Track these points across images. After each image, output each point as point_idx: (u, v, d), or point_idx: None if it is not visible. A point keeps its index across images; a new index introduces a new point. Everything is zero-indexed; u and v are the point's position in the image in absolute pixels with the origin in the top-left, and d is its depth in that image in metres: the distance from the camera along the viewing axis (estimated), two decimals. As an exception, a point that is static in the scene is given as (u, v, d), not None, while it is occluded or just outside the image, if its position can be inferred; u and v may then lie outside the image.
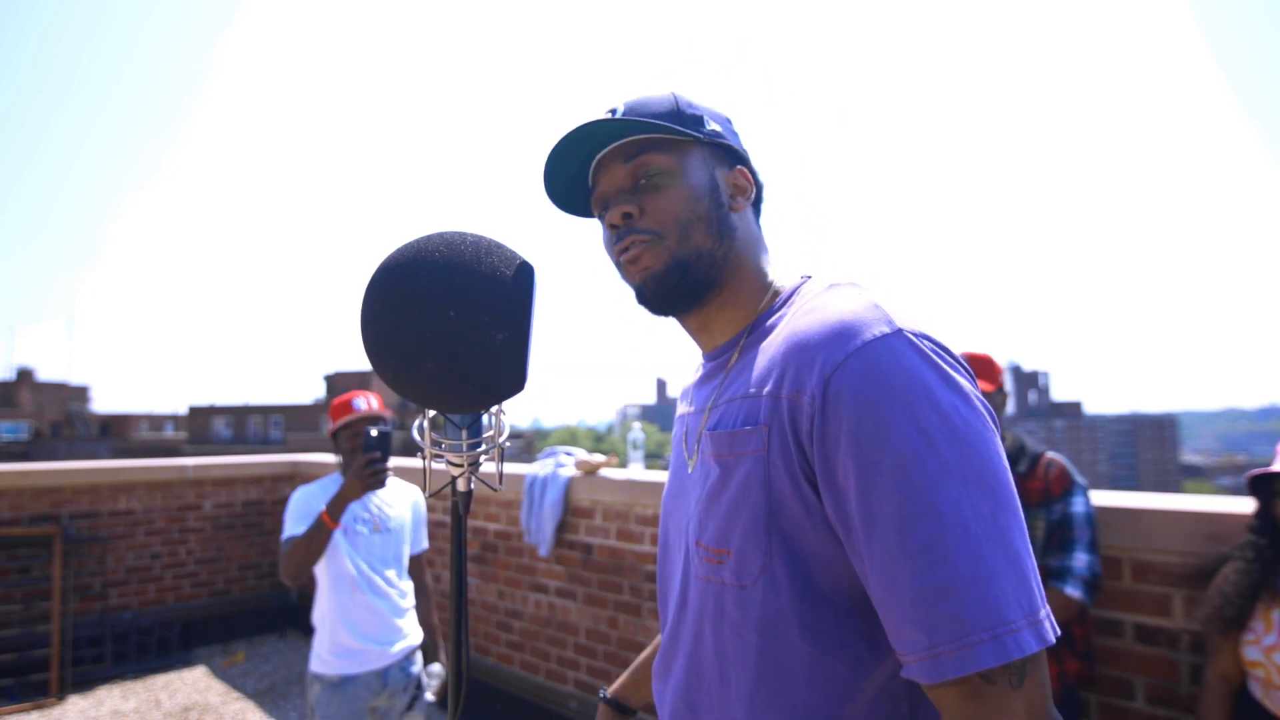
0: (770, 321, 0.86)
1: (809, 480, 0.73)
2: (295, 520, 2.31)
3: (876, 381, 0.68)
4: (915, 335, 0.71)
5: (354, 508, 2.39)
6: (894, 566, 0.65)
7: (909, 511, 0.64)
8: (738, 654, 0.79)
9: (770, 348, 0.81)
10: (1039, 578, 0.66)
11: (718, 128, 0.90)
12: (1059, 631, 0.64)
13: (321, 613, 2.36)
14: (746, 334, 0.88)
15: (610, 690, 1.20)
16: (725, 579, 0.79)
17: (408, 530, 2.53)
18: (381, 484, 2.19)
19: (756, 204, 0.95)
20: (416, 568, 2.59)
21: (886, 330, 0.71)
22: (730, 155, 0.92)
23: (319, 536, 2.19)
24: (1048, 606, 0.65)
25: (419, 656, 2.47)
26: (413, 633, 2.45)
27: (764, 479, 0.75)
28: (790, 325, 0.79)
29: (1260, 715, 1.64)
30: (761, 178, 0.95)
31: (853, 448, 0.67)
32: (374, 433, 2.20)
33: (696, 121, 0.88)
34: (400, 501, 2.53)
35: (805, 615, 0.74)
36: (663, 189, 0.86)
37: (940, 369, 0.69)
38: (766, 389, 0.77)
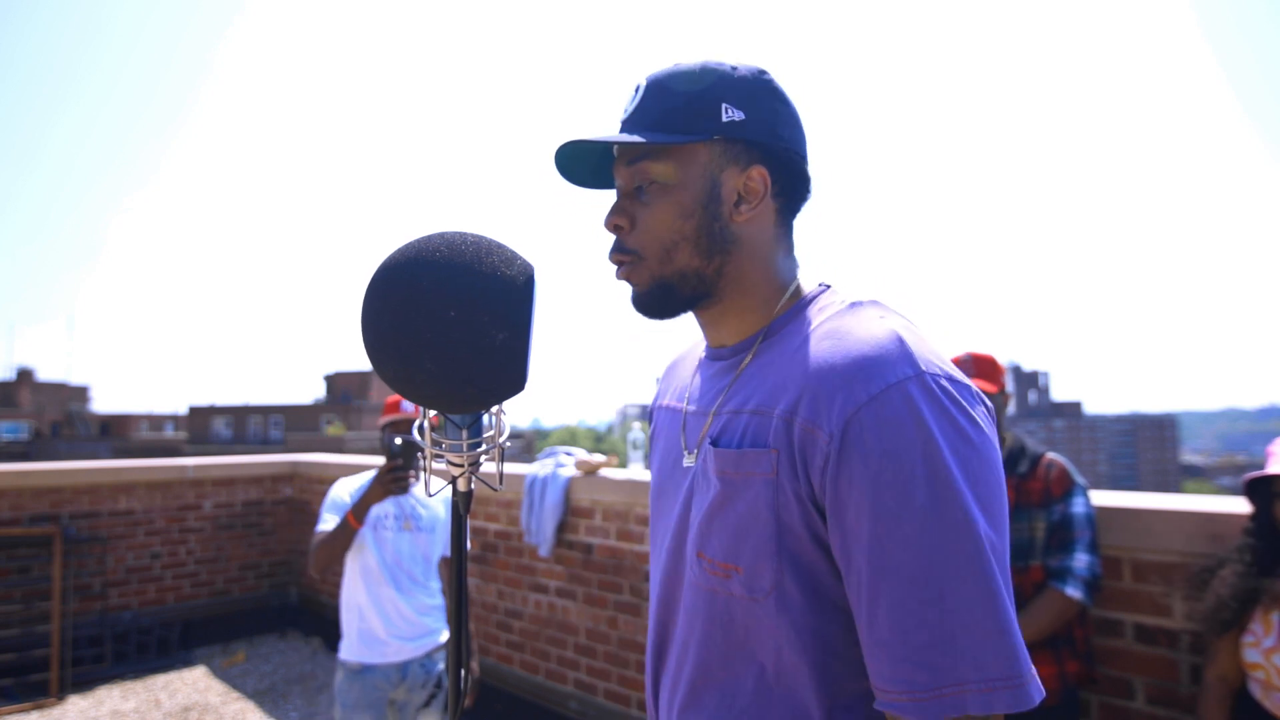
0: (786, 330, 0.84)
1: (816, 507, 0.74)
2: (327, 514, 2.43)
3: (898, 431, 0.69)
4: (935, 377, 0.72)
5: (385, 504, 2.49)
6: (901, 612, 0.68)
7: (918, 566, 0.67)
8: (746, 661, 0.79)
9: (785, 363, 0.80)
10: (1019, 636, 0.68)
11: (738, 117, 0.81)
12: (1043, 693, 0.68)
13: (347, 602, 2.44)
14: (761, 338, 0.86)
15: None
16: (734, 591, 0.79)
17: (440, 530, 2.57)
18: (403, 490, 2.31)
19: (788, 195, 0.86)
20: (447, 569, 2.59)
21: (909, 373, 0.71)
22: (750, 149, 0.83)
23: (342, 535, 2.32)
24: (1033, 668, 0.68)
25: (443, 656, 2.47)
26: (438, 630, 2.47)
27: (772, 502, 0.76)
28: (808, 345, 0.78)
29: (1260, 716, 1.64)
30: (801, 157, 0.86)
31: (870, 494, 0.69)
32: (398, 441, 2.34)
33: (711, 114, 0.81)
34: (437, 502, 2.59)
35: (816, 625, 0.75)
36: (653, 204, 0.83)
37: (955, 421, 0.71)
38: (778, 410, 0.77)
